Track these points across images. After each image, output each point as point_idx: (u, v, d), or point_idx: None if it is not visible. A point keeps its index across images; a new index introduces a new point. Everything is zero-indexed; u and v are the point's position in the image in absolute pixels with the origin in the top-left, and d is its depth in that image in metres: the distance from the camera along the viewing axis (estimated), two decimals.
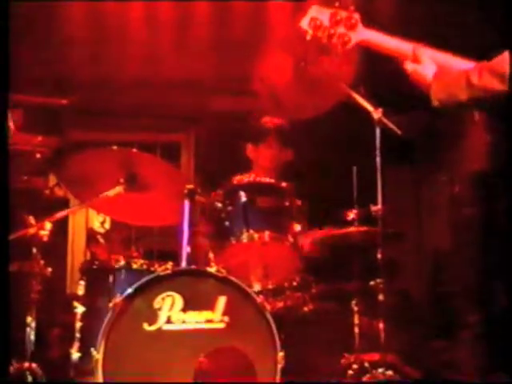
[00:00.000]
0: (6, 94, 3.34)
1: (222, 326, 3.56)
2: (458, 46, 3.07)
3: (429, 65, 3.00)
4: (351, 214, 4.29)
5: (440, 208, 6.27)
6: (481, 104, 2.85)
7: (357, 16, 3.09)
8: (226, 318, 3.56)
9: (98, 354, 3.44)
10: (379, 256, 3.98)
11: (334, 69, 4.31)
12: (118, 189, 3.93)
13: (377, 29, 3.13)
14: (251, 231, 4.00)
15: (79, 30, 6.10)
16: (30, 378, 3.70)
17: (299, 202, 4.19)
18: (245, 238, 4.00)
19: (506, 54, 2.72)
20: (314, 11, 3.09)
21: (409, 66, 3.06)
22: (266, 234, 4.00)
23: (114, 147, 3.91)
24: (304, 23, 3.09)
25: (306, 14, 3.10)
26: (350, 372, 4.11)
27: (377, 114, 3.94)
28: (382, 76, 3.43)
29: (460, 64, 2.99)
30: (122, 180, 3.94)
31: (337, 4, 3.09)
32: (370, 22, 3.17)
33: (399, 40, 3.10)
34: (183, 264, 3.76)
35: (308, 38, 3.10)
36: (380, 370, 3.92)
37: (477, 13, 5.10)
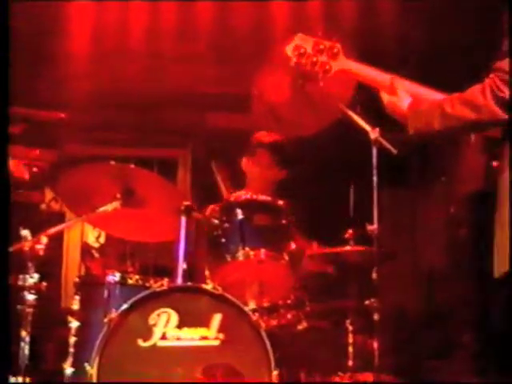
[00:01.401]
0: (6, 101, 3.34)
1: (216, 343, 3.56)
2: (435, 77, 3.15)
3: (404, 96, 3.12)
4: (347, 234, 4.30)
5: (436, 228, 6.29)
6: (455, 132, 2.95)
7: (339, 46, 3.25)
8: (221, 336, 3.57)
9: (92, 369, 3.44)
10: (374, 275, 3.98)
11: (331, 88, 4.33)
12: (115, 204, 3.93)
13: (356, 60, 3.27)
14: (247, 249, 3.99)
15: (77, 44, 6.12)
16: None
17: (294, 220, 4.19)
18: (241, 255, 3.99)
19: (478, 85, 2.80)
20: (299, 39, 3.26)
21: (385, 97, 3.19)
22: (262, 251, 3.99)
23: (112, 162, 3.92)
24: (288, 50, 3.26)
25: (291, 42, 3.26)
26: None
27: (374, 133, 3.96)
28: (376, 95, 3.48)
29: (433, 95, 3.10)
30: (118, 195, 3.94)
31: (320, 33, 3.26)
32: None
33: (377, 71, 3.23)
34: (179, 280, 3.77)
35: (292, 64, 3.26)
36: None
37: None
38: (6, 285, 3.16)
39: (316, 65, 3.22)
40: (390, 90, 3.15)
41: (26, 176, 4.41)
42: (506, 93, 2.70)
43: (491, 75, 2.77)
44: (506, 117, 2.72)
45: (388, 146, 3.99)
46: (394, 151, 3.98)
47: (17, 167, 4.45)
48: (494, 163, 2.97)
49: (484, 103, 2.74)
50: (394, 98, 3.13)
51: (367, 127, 3.98)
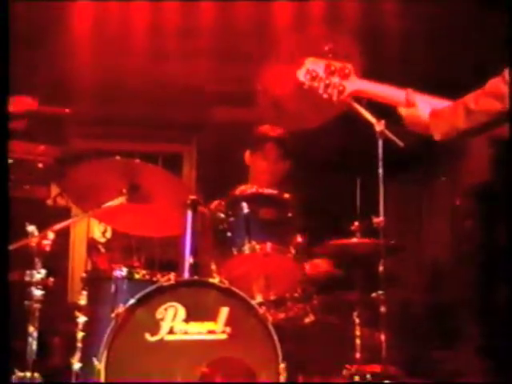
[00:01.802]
0: (5, 98, 3.34)
1: (224, 336, 3.57)
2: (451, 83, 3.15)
3: (423, 106, 3.12)
4: (353, 226, 4.30)
5: (441, 219, 6.29)
6: (482, 127, 2.93)
7: (350, 66, 3.25)
8: (228, 329, 3.57)
9: (99, 364, 3.45)
10: (381, 268, 3.98)
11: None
12: (121, 199, 3.93)
13: (368, 78, 3.28)
14: (253, 242, 4.00)
15: (82, 39, 6.12)
16: None
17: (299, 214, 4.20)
18: (247, 249, 4.01)
19: (496, 77, 2.82)
20: (310, 63, 3.26)
21: (403, 111, 3.18)
22: (268, 245, 4.00)
23: (117, 157, 3.92)
24: (301, 75, 3.26)
25: (302, 66, 3.26)
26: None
27: (379, 125, 3.95)
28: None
29: (446, 104, 3.09)
30: (124, 190, 3.94)
31: (330, 55, 3.27)
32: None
33: (391, 87, 3.23)
34: (186, 275, 3.77)
35: (305, 87, 3.25)
36: (385, 382, 3.91)
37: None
38: (5, 281, 3.16)
39: (329, 87, 3.21)
40: (406, 103, 3.15)
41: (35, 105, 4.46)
42: None
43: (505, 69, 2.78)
44: None
45: (394, 138, 3.99)
46: (401, 143, 3.98)
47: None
48: None
49: (506, 91, 2.75)
50: (412, 110, 3.12)
51: (373, 119, 3.97)
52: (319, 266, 4.63)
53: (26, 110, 4.46)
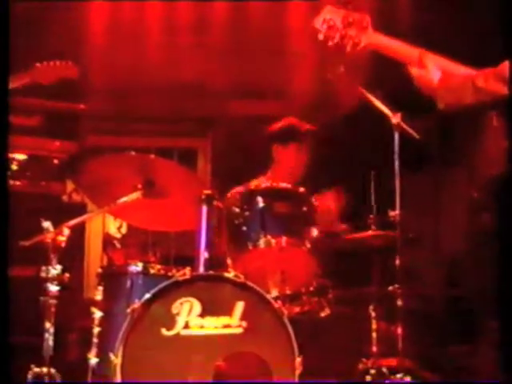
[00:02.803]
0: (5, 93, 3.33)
1: (239, 331, 3.56)
2: (462, 53, 3.12)
3: (434, 70, 3.09)
4: (369, 219, 4.29)
5: (458, 213, 6.25)
6: (484, 107, 2.92)
7: (368, 19, 3.19)
8: (244, 324, 3.56)
9: (116, 359, 3.45)
10: (397, 261, 3.96)
11: (350, 74, 4.31)
12: (136, 194, 3.93)
13: (384, 33, 3.22)
14: (268, 236, 3.99)
15: (95, 35, 6.13)
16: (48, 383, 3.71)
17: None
18: (262, 243, 3.99)
19: (508, 61, 2.82)
20: (328, 12, 3.19)
21: (414, 71, 3.15)
22: (284, 239, 3.99)
23: (132, 153, 3.92)
24: (318, 23, 3.19)
25: (319, 14, 3.19)
26: (368, 377, 4.10)
27: (395, 118, 3.93)
28: (396, 80, 3.46)
29: (463, 71, 3.08)
30: (139, 186, 3.94)
31: (350, 6, 3.19)
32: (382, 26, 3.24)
33: (406, 45, 3.19)
34: (201, 269, 3.77)
35: (320, 37, 3.19)
36: (398, 376, 3.90)
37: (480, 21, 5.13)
38: (5, 277, 3.17)
39: (345, 38, 3.15)
40: (418, 64, 3.11)
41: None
42: None
43: None
44: None
45: (410, 130, 3.97)
46: (416, 136, 3.96)
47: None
48: None
49: None
50: (423, 72, 3.10)
51: (389, 112, 3.96)
52: (327, 198, 4.63)
53: (61, 78, 4.45)
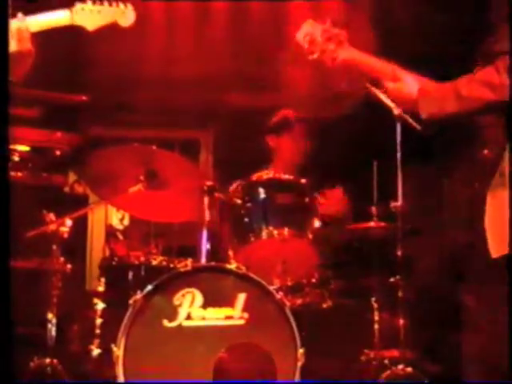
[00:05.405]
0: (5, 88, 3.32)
1: (241, 322, 3.57)
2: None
3: (411, 81, 3.09)
4: (371, 210, 4.29)
5: (461, 204, 6.24)
6: (470, 114, 2.92)
7: (345, 34, 3.23)
8: (246, 315, 3.57)
9: (118, 350, 3.45)
10: (399, 252, 3.96)
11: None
12: (138, 186, 3.93)
13: (359, 48, 3.24)
14: (270, 228, 4.00)
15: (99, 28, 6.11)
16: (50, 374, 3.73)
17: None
18: (264, 234, 4.01)
19: (490, 67, 2.80)
20: (309, 25, 3.23)
21: (389, 85, 3.15)
22: (286, 230, 4.00)
23: (135, 144, 3.93)
24: (299, 36, 3.23)
25: (300, 28, 3.23)
26: (370, 368, 4.11)
27: (397, 109, 3.93)
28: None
29: (435, 85, 3.07)
30: (141, 177, 3.94)
31: (329, 21, 3.23)
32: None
33: (380, 60, 3.20)
34: (203, 260, 3.77)
35: (305, 50, 3.23)
36: (400, 367, 3.90)
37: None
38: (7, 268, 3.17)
39: (325, 53, 3.20)
40: (393, 78, 3.12)
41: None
42: None
43: (501, 57, 2.77)
44: None
45: (412, 122, 3.96)
46: (418, 127, 3.95)
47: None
48: None
49: (500, 83, 2.75)
50: (399, 85, 3.10)
51: (391, 104, 3.95)
52: (331, 197, 4.65)
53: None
